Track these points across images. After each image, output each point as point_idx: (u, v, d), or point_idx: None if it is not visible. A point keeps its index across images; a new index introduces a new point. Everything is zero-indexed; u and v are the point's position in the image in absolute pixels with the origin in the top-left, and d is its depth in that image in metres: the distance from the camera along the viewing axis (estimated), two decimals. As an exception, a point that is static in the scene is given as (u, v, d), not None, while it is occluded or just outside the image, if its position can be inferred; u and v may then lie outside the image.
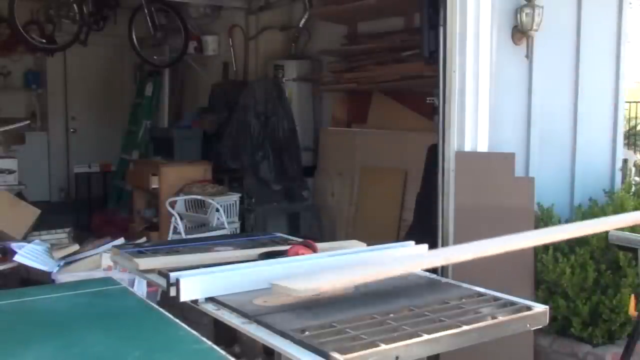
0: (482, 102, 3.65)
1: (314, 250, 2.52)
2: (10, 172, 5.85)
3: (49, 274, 4.11)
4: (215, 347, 1.72)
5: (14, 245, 4.39)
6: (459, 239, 3.64)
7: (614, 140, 4.34)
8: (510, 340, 2.43)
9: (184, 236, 5.46)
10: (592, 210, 3.84)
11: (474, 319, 1.84)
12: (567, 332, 3.59)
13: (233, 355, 1.68)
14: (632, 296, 3.32)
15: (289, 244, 2.77)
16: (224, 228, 5.59)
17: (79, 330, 1.89)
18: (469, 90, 3.62)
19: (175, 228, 5.69)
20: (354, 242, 2.76)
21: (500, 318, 1.87)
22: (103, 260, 4.12)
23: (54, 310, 2.11)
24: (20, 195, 5.80)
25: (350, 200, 6.05)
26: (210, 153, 6.61)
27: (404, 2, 5.18)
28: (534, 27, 3.63)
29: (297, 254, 2.46)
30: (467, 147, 3.66)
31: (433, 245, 3.03)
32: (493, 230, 3.54)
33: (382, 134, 5.81)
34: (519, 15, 3.63)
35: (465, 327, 1.76)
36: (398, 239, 4.93)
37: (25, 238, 4.93)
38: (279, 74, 6.69)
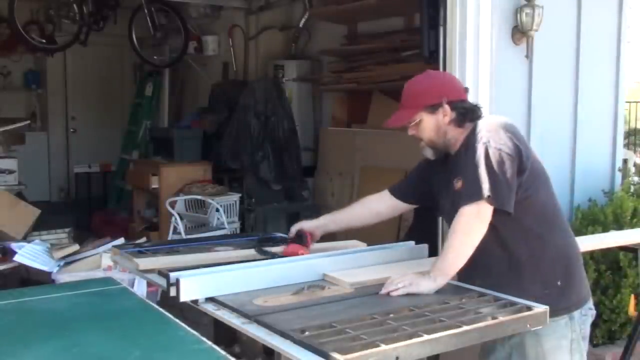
0: (482, 102, 3.63)
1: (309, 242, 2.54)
2: (10, 172, 5.84)
3: (49, 274, 4.10)
4: (215, 347, 1.72)
5: (14, 245, 4.39)
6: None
7: (614, 141, 4.34)
8: (510, 340, 2.42)
9: (184, 236, 5.46)
10: (591, 211, 3.84)
11: (474, 319, 1.84)
12: (567, 332, 3.59)
13: (233, 355, 1.68)
14: (632, 296, 3.33)
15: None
16: (224, 228, 5.59)
17: (79, 330, 1.89)
18: (469, 90, 3.62)
19: (175, 228, 5.69)
20: (354, 242, 2.76)
21: (501, 318, 1.87)
22: (103, 260, 4.12)
23: (54, 310, 2.11)
24: (20, 195, 5.80)
25: (350, 200, 6.03)
26: (210, 153, 6.60)
27: (404, 2, 5.18)
28: (534, 27, 3.63)
29: (295, 253, 2.46)
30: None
31: (433, 246, 3.03)
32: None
33: (382, 134, 5.80)
34: (519, 15, 3.63)
35: (465, 327, 1.76)
36: (398, 239, 4.93)
37: (25, 238, 4.93)
38: (279, 74, 6.69)
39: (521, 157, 2.12)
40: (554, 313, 2.08)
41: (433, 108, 2.24)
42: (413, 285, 2.08)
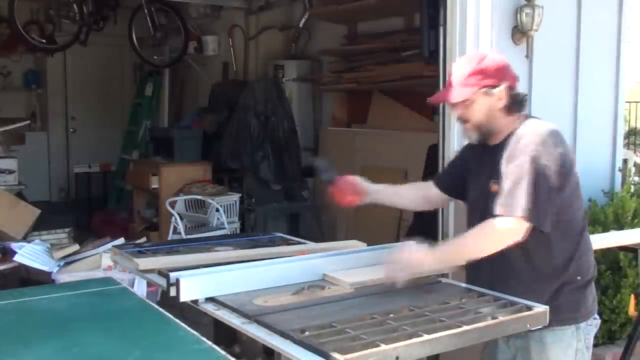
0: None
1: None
2: (10, 172, 5.84)
3: (49, 274, 4.10)
4: (215, 347, 1.72)
5: (14, 245, 4.39)
6: (459, 239, 3.63)
7: (614, 141, 4.34)
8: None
9: (184, 236, 5.46)
10: (592, 211, 3.84)
11: (474, 319, 1.84)
12: (567, 332, 3.59)
13: (233, 355, 1.68)
14: (632, 296, 3.33)
15: (288, 244, 2.78)
16: (224, 228, 5.59)
17: (79, 330, 1.89)
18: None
19: (175, 228, 5.69)
20: (354, 242, 2.76)
21: (501, 318, 1.87)
22: (103, 260, 4.12)
23: (54, 310, 2.11)
24: (20, 195, 5.80)
25: (350, 200, 6.03)
26: (210, 153, 6.60)
27: (404, 2, 5.18)
28: (534, 27, 3.63)
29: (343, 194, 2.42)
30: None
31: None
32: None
33: (382, 134, 5.81)
34: (519, 15, 3.63)
35: (465, 327, 1.76)
36: (398, 239, 4.93)
37: (25, 238, 4.93)
38: (279, 74, 6.69)
39: (566, 174, 2.09)
40: (561, 322, 2.09)
41: (490, 90, 2.16)
42: (407, 269, 2.07)
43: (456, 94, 2.18)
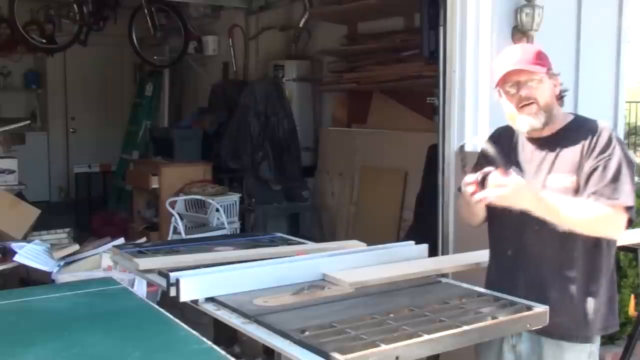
0: (482, 102, 3.64)
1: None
2: (10, 172, 5.84)
3: (49, 274, 4.10)
4: (215, 347, 1.72)
5: (14, 245, 4.38)
6: (459, 240, 3.64)
7: (614, 140, 4.34)
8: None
9: (184, 236, 5.46)
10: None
11: (474, 319, 1.84)
12: (567, 332, 3.59)
13: (233, 355, 1.68)
14: (632, 296, 3.33)
15: (288, 244, 2.78)
16: (224, 228, 5.59)
17: (79, 330, 1.89)
18: (469, 90, 3.62)
19: (175, 228, 5.69)
20: (354, 242, 2.77)
21: (501, 318, 1.87)
22: (103, 260, 4.12)
23: (54, 310, 2.11)
24: (20, 195, 5.80)
25: (350, 200, 6.05)
26: (210, 153, 6.61)
27: (404, 2, 5.18)
28: (534, 27, 3.63)
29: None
30: (467, 147, 3.66)
31: (433, 246, 3.03)
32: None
33: (382, 134, 5.81)
34: (519, 15, 3.63)
35: (465, 327, 1.76)
36: (398, 239, 4.93)
37: (25, 238, 4.93)
38: (279, 74, 6.69)
39: None
40: (581, 339, 2.14)
41: (552, 74, 2.18)
42: (507, 194, 1.96)
43: (530, 65, 2.13)
